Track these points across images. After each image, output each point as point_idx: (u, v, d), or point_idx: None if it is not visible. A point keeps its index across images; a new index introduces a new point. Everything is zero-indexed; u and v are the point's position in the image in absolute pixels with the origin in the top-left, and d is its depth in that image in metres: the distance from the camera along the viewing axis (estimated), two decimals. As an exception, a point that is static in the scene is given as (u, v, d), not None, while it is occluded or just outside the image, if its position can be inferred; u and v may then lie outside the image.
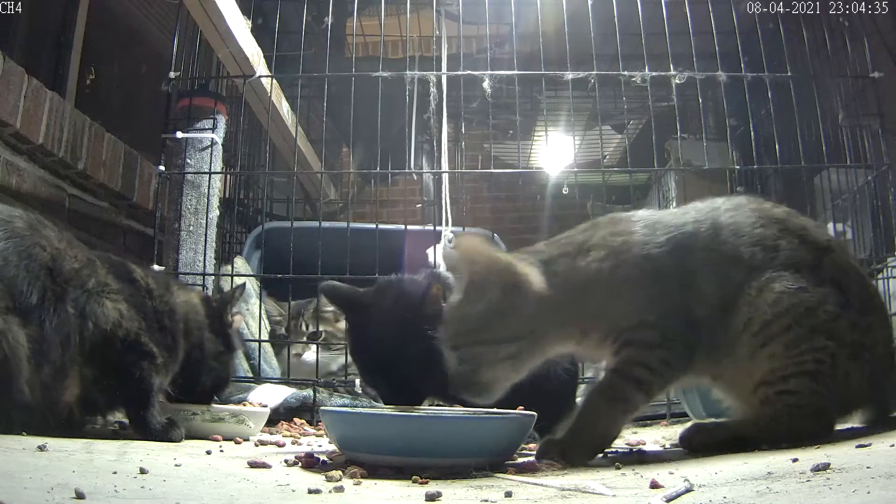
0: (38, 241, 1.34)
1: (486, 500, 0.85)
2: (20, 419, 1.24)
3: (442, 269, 1.97)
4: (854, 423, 1.32)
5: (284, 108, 2.98)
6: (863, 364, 1.21)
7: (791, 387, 1.19)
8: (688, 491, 0.84)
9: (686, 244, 1.25)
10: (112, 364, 1.39)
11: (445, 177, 3.03)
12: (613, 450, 1.44)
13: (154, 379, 1.44)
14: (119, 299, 1.43)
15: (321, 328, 2.59)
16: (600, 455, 1.33)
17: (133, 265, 1.56)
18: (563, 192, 4.38)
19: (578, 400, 1.85)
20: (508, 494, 0.87)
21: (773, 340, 1.19)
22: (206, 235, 2.42)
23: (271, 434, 1.81)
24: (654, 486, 0.89)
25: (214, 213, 2.50)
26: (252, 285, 2.67)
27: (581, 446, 1.17)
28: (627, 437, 1.75)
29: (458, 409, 1.45)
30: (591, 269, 1.24)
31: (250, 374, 2.33)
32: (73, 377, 1.36)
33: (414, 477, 0.99)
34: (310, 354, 2.53)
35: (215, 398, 1.72)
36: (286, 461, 1.17)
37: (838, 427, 1.41)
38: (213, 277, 2.42)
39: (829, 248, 1.27)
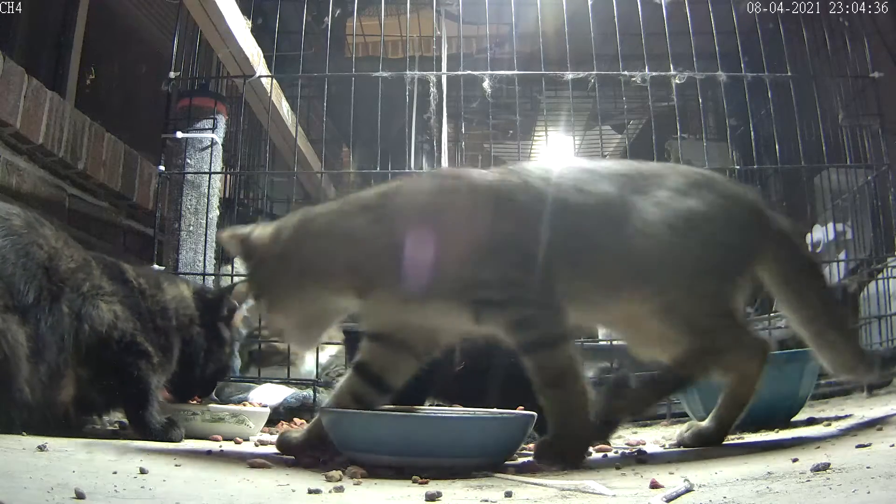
0: (36, 240, 1.33)
1: (486, 500, 0.85)
2: (20, 418, 1.24)
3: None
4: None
5: (284, 108, 2.98)
6: (726, 281, 1.27)
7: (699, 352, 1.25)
8: (688, 491, 0.84)
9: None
10: (109, 365, 1.39)
11: (445, 177, 3.03)
12: (613, 450, 1.45)
13: (151, 378, 1.44)
14: (114, 301, 1.42)
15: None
16: (601, 455, 1.33)
17: (125, 265, 1.55)
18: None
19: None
20: (508, 494, 0.87)
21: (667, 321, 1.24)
22: (206, 235, 2.42)
23: (271, 434, 1.81)
24: (654, 486, 0.89)
25: (214, 213, 2.50)
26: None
27: (571, 446, 1.16)
28: (627, 437, 1.75)
29: (458, 409, 1.45)
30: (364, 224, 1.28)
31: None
32: (69, 377, 1.36)
33: (414, 477, 0.99)
34: None
35: (214, 396, 1.72)
36: (286, 461, 1.17)
37: (838, 426, 1.42)
38: (213, 277, 2.42)
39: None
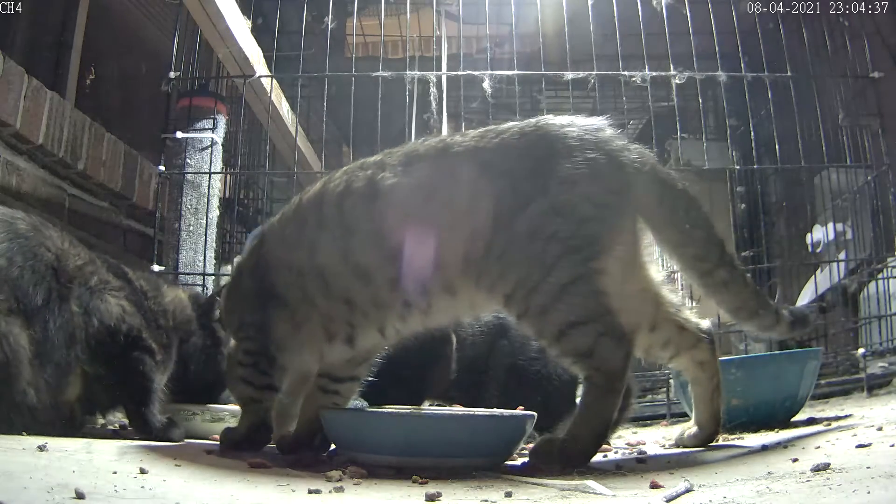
0: (43, 242, 1.34)
1: (486, 500, 0.85)
2: (21, 420, 1.24)
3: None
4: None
5: (284, 108, 2.98)
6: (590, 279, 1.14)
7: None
8: (688, 491, 0.84)
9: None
10: (115, 360, 1.39)
11: (445, 177, 3.03)
12: (613, 450, 1.45)
13: (154, 375, 1.44)
14: (121, 296, 1.44)
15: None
16: (601, 455, 1.33)
17: (126, 267, 1.56)
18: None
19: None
20: (508, 494, 0.87)
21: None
22: (206, 235, 2.42)
23: (271, 434, 1.80)
24: (654, 486, 0.89)
25: (214, 213, 2.50)
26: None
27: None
28: (627, 438, 1.75)
29: (458, 409, 1.45)
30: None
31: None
32: (75, 375, 1.36)
33: (414, 477, 0.98)
34: None
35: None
36: (286, 461, 1.17)
37: (838, 426, 1.41)
38: (213, 277, 2.42)
39: None
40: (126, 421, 1.51)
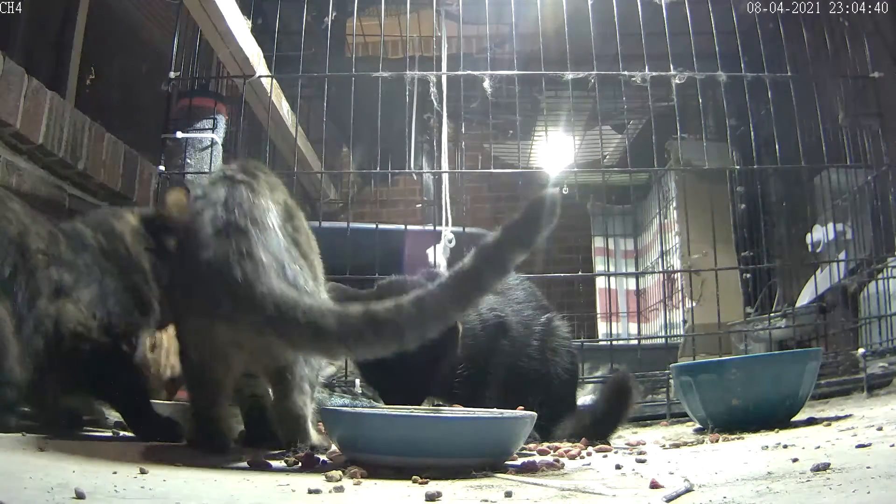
0: (5, 214, 1.28)
1: (486, 500, 0.85)
2: (14, 397, 1.21)
3: (442, 269, 1.97)
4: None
5: (284, 108, 2.98)
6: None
7: None
8: (688, 491, 0.84)
9: None
10: (96, 375, 1.33)
11: (445, 177, 3.04)
12: (613, 450, 1.45)
13: (140, 376, 1.41)
14: (79, 298, 1.33)
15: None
16: (602, 455, 1.33)
17: (82, 228, 1.44)
18: (563, 192, 4.38)
19: (579, 402, 1.86)
20: (508, 494, 0.87)
21: None
22: (206, 235, 2.42)
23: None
24: (654, 486, 0.89)
25: (214, 213, 2.50)
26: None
27: None
28: (627, 438, 1.75)
29: (458, 409, 1.45)
30: None
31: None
32: (49, 372, 1.29)
33: (414, 477, 0.98)
34: None
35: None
36: (286, 461, 1.17)
37: (838, 426, 1.41)
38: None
39: None
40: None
